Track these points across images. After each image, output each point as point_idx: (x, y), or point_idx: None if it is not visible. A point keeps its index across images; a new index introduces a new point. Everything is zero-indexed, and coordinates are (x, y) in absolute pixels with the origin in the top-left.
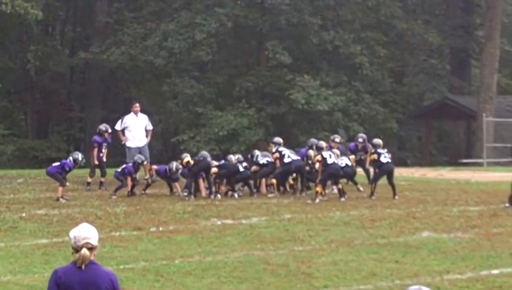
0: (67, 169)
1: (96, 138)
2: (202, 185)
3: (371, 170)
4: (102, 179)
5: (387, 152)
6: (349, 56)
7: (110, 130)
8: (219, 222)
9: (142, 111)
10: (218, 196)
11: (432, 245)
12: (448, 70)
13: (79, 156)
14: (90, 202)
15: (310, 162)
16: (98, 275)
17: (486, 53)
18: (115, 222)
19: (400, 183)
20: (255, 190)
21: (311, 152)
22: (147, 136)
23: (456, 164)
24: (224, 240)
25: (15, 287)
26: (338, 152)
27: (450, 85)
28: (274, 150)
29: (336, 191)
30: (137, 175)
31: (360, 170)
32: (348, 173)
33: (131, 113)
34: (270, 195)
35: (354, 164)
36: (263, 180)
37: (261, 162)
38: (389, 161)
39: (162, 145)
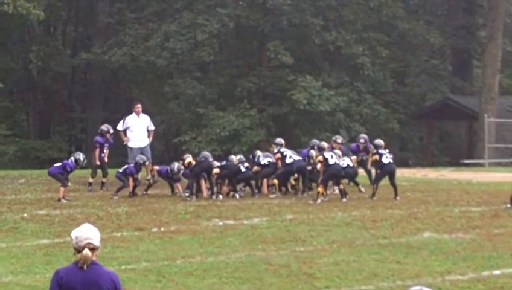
0: (68, 169)
1: (98, 138)
2: (204, 185)
3: (373, 171)
4: (104, 180)
5: (389, 153)
6: (351, 57)
7: (112, 131)
8: (221, 223)
9: (144, 112)
10: (220, 196)
11: (434, 246)
12: (450, 70)
13: (80, 156)
14: (91, 202)
15: (311, 162)
16: (100, 276)
17: (488, 53)
18: (116, 222)
19: (401, 183)
20: (256, 191)
21: (313, 152)
22: (148, 137)
23: (457, 165)
24: (225, 241)
25: (16, 287)
26: (340, 153)
27: (452, 86)
28: (276, 150)
29: (337, 191)
30: (139, 176)
31: (361, 171)
32: (350, 174)
33: (133, 114)
34: (271, 195)
35: (355, 165)
36: (265, 180)
37: (262, 162)
38: (391, 161)
39: (164, 146)
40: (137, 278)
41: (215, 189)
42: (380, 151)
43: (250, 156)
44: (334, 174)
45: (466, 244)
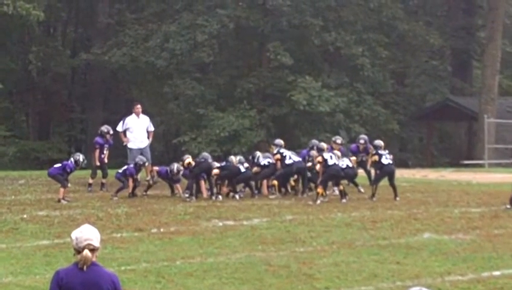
0: (68, 170)
1: (98, 139)
2: (203, 186)
3: (372, 172)
4: (104, 180)
5: (389, 153)
6: (351, 57)
7: (111, 132)
8: (220, 223)
9: (144, 112)
10: (220, 197)
11: (433, 246)
12: (449, 71)
13: (80, 157)
14: (91, 203)
15: (312, 162)
16: (100, 276)
17: (487, 54)
18: (116, 223)
19: (401, 184)
20: (256, 191)
21: (314, 153)
22: (148, 138)
23: (457, 165)
24: (225, 241)
25: (16, 288)
26: (339, 153)
27: (452, 86)
28: (275, 151)
29: (337, 192)
30: (139, 176)
31: (361, 171)
32: (349, 174)
33: (133, 115)
34: (271, 196)
35: (355, 165)
36: (264, 181)
37: (262, 163)
38: (390, 162)
39: (164, 147)
40: (137, 279)
41: (214, 190)
42: (379, 152)
43: (250, 157)
44: (333, 175)
45: (466, 245)
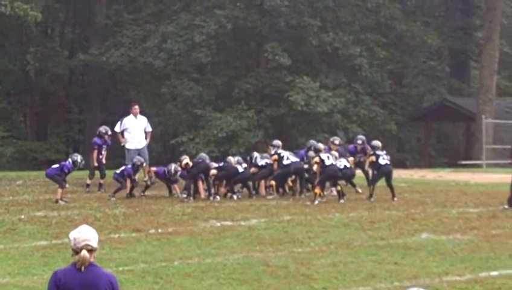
0: (66, 171)
1: (96, 140)
2: (201, 186)
3: (370, 172)
4: (102, 181)
5: (386, 154)
6: (349, 58)
7: (110, 132)
8: (218, 224)
9: (142, 113)
10: (217, 197)
11: (431, 247)
12: (447, 72)
13: (78, 158)
14: (89, 203)
15: (309, 163)
16: (98, 277)
17: (485, 55)
18: (114, 223)
19: (399, 184)
20: (254, 192)
21: (311, 153)
22: (146, 138)
23: (455, 166)
24: (223, 242)
25: (14, 289)
26: (337, 154)
27: (450, 87)
28: (273, 152)
29: (335, 193)
30: (137, 177)
31: (359, 172)
32: (347, 175)
33: (131, 115)
34: (269, 197)
35: (353, 166)
36: (262, 182)
37: (259, 163)
38: (388, 162)
39: (161, 147)
40: (135, 279)
41: (212, 190)
42: (377, 152)
43: (248, 158)
44: (331, 175)
45: (464, 246)
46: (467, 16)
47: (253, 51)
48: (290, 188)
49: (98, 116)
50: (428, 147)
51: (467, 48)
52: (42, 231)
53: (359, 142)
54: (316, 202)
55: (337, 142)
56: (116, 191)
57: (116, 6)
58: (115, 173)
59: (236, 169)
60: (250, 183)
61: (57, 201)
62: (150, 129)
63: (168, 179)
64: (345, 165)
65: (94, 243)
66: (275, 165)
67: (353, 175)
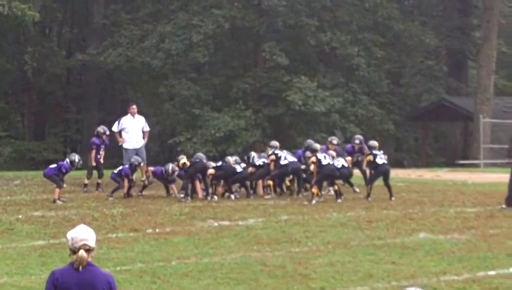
0: (64, 171)
1: (95, 140)
2: (199, 186)
3: (368, 172)
4: (99, 181)
5: (383, 153)
6: (346, 57)
7: (108, 132)
8: (216, 224)
9: (139, 113)
10: (215, 197)
11: (429, 246)
12: (445, 71)
13: (76, 157)
14: (87, 203)
15: (306, 164)
16: (96, 277)
17: (483, 54)
18: (111, 223)
19: (396, 184)
20: (251, 192)
21: (308, 153)
22: (143, 138)
23: (452, 165)
24: (220, 242)
25: (12, 288)
26: (334, 154)
27: (447, 86)
28: (270, 152)
29: (332, 192)
30: (134, 177)
31: (356, 171)
32: (344, 174)
33: (128, 115)
34: (266, 196)
35: (350, 166)
36: (260, 181)
37: (257, 163)
38: (385, 162)
39: (159, 147)
40: (133, 279)
41: (210, 190)
42: (374, 152)
43: (245, 157)
44: (328, 175)
45: (461, 245)
46: (465, 15)
47: (250, 51)
48: (288, 187)
49: (96, 116)
50: (426, 147)
51: (464, 48)
52: (40, 231)
53: (357, 141)
54: (314, 201)
55: (335, 141)
56: (113, 191)
57: (114, 6)
58: (113, 172)
59: (234, 169)
60: (248, 183)
61: (54, 201)
62: (147, 129)
63: (165, 179)
64: (342, 165)
65: (92, 243)
66: (272, 166)
67: (351, 175)
